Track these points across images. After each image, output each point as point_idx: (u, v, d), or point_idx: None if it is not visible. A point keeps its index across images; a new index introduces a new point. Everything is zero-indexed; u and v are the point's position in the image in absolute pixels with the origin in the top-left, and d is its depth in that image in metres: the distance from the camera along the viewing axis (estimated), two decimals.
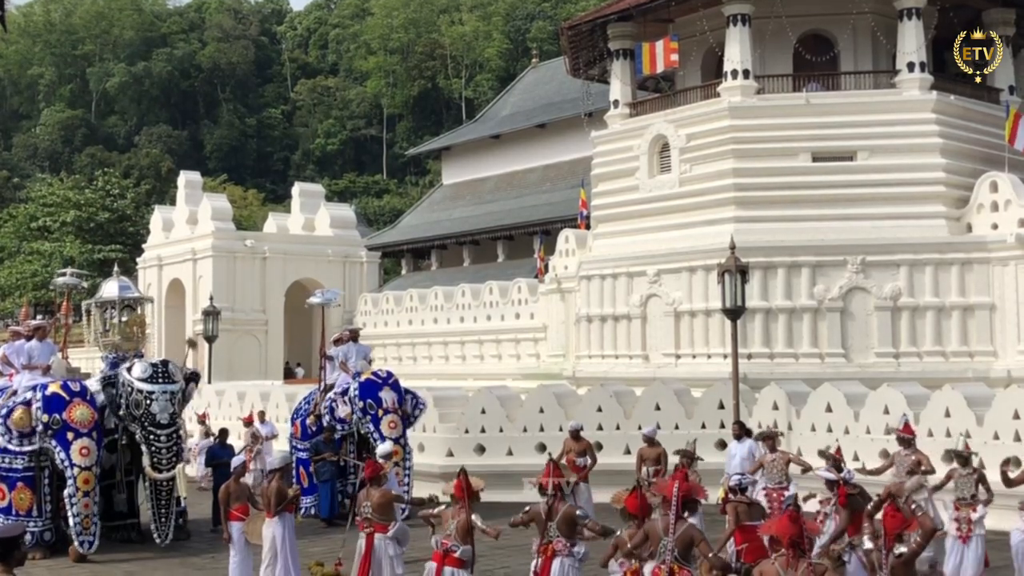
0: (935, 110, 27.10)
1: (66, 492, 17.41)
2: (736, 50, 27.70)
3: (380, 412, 20.42)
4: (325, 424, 21.11)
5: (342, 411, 20.91)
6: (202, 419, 28.05)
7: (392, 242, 55.04)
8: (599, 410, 22.94)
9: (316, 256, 47.11)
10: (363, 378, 20.92)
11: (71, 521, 17.38)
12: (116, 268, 22.74)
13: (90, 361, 46.27)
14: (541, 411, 23.15)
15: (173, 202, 52.34)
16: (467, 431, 23.34)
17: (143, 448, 17.98)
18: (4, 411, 18.00)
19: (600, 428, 22.60)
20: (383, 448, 16.29)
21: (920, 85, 27.25)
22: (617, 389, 23.85)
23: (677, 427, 22.37)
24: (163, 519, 17.94)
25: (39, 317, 58.16)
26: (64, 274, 24.46)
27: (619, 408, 22.96)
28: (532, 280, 37.06)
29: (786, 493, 15.63)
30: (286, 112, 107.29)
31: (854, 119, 27.12)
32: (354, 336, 22.48)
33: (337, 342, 22.33)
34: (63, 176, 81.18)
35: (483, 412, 23.43)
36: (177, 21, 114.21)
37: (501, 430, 23.22)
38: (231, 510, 14.47)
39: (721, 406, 22.55)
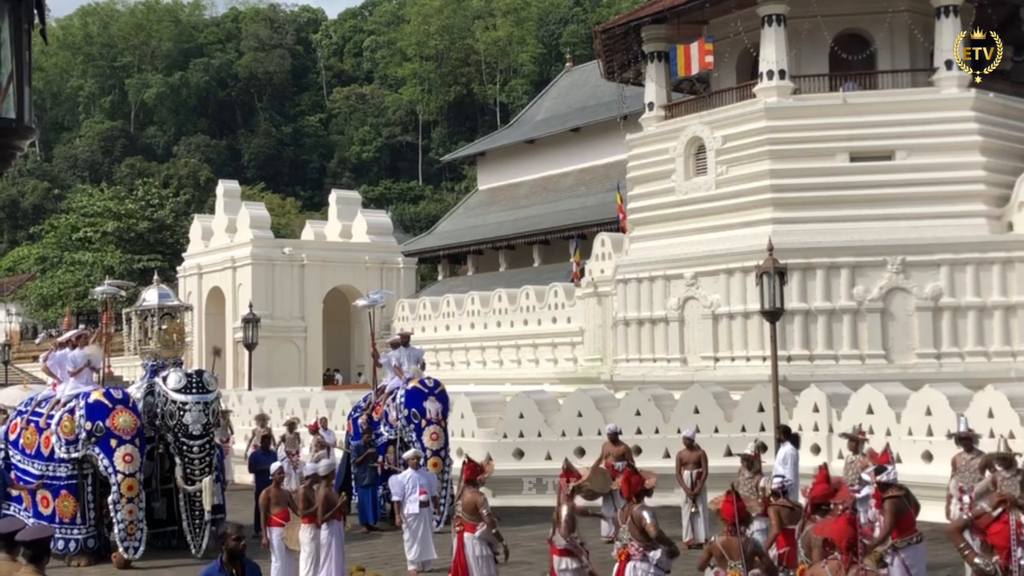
0: (974, 108, 26.81)
1: (110, 499, 17.44)
2: (771, 50, 27.55)
3: (423, 422, 20.23)
4: (381, 428, 20.93)
5: (393, 415, 20.81)
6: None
7: (428, 248, 55.18)
8: (637, 414, 22.87)
9: (353, 263, 47.34)
10: (410, 386, 20.72)
11: (116, 528, 17.41)
12: (156, 276, 22.95)
13: (131, 369, 46.76)
14: (579, 415, 23.10)
15: (212, 211, 52.78)
16: (505, 436, 23.34)
17: (176, 459, 18.01)
18: (56, 419, 18.07)
19: (639, 432, 22.53)
20: (408, 453, 16.55)
21: (958, 83, 26.98)
22: (655, 392, 23.77)
23: (716, 430, 22.28)
24: (197, 528, 17.86)
25: (80, 326, 58.86)
26: (104, 284, 24.69)
27: (657, 411, 22.88)
28: (568, 284, 37.03)
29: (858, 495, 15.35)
30: (322, 120, 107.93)
31: (892, 118, 26.89)
32: (405, 340, 22.23)
33: (394, 346, 22.17)
34: (103, 187, 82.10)
35: (521, 417, 23.42)
36: (214, 31, 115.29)
37: (539, 434, 23.20)
38: (271, 516, 14.37)
39: (761, 409, 22.40)
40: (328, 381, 45.05)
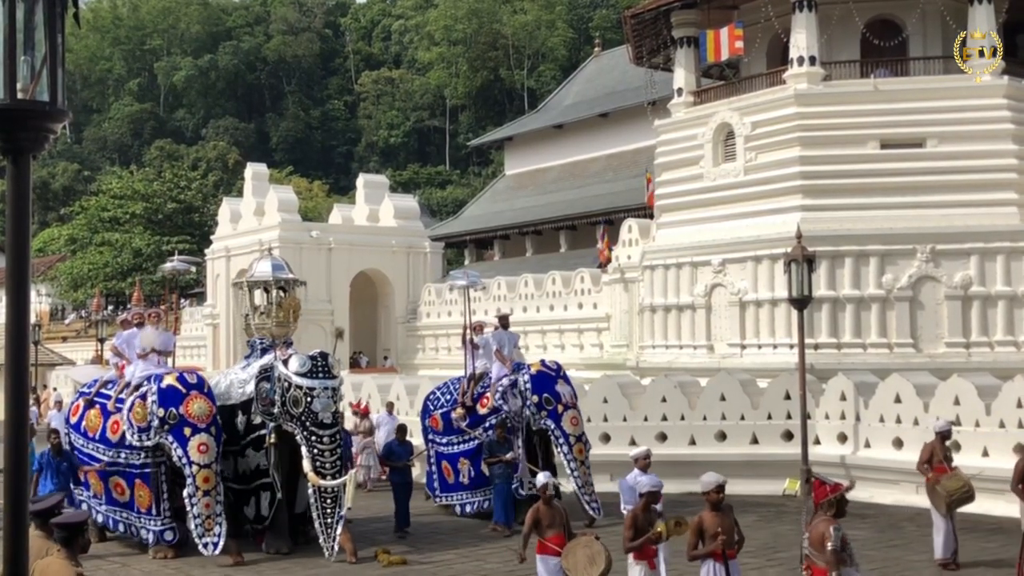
0: (1007, 95, 26.57)
1: (186, 492, 16.01)
2: (802, 36, 27.37)
3: (560, 407, 18.71)
4: (500, 419, 18.85)
5: (512, 405, 18.99)
6: None
7: (455, 232, 55.24)
8: (663, 400, 22.80)
9: (380, 247, 47.40)
10: (534, 371, 19.17)
11: (192, 523, 15.89)
12: (268, 246, 20.86)
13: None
14: (605, 401, 23.04)
15: (240, 194, 52.99)
16: None
17: (304, 451, 15.94)
18: (128, 405, 16.84)
19: (664, 419, 22.48)
20: (637, 451, 13.57)
21: (991, 70, 26.71)
22: (681, 379, 23.69)
23: (743, 417, 22.20)
24: (329, 529, 15.70)
25: (110, 308, 59.29)
26: (172, 260, 22.61)
27: (683, 399, 22.79)
28: (595, 270, 36.99)
29: None
30: (350, 104, 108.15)
31: (923, 105, 26.69)
32: (504, 322, 20.61)
33: (476, 329, 20.49)
34: (133, 169, 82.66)
35: None
36: (242, 14, 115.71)
37: None
38: (542, 540, 11.16)
39: (787, 397, 22.28)
40: (354, 364, 45.21)
